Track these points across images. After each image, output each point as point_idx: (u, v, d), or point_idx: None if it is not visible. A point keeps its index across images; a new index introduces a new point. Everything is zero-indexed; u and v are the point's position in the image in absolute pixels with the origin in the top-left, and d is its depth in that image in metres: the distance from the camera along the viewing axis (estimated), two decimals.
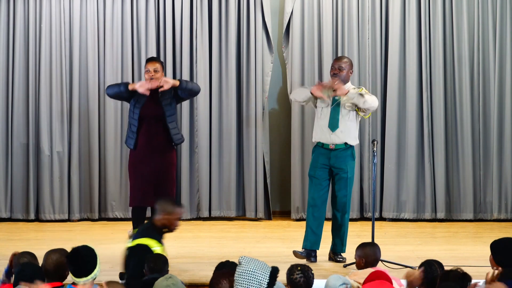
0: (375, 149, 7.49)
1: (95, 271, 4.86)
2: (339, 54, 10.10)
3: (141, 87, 7.62)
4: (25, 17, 10.10)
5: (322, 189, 7.62)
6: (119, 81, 10.02)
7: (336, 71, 7.64)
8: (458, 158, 10.11)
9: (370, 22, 10.13)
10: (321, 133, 7.62)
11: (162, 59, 10.13)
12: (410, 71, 10.10)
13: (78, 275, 4.82)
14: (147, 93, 7.58)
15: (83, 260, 4.84)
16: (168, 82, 7.64)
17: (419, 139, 10.12)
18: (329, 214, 8.06)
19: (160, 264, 5.46)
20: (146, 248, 5.74)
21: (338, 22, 10.15)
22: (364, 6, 10.12)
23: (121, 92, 7.68)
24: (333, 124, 7.55)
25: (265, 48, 10.18)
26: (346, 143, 7.59)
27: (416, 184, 10.11)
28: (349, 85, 7.71)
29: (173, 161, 7.76)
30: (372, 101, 7.54)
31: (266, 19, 10.13)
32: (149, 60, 7.84)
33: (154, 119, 7.63)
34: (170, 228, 6.39)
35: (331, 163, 7.59)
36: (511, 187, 10.11)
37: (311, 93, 7.57)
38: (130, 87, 7.65)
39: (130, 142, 7.68)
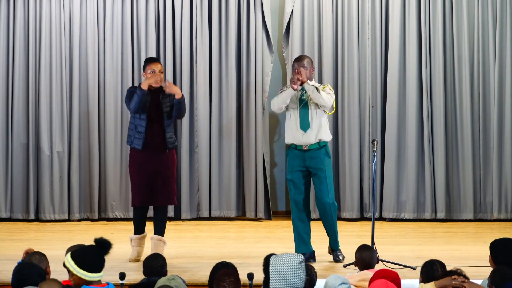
0: (375, 149, 7.49)
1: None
2: (339, 54, 10.12)
3: (154, 82, 7.61)
4: (25, 17, 10.10)
5: (303, 191, 7.63)
6: (119, 81, 10.06)
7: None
8: (458, 158, 10.11)
9: (370, 22, 10.13)
10: (293, 135, 7.61)
11: (162, 59, 10.15)
12: (410, 71, 10.10)
13: (98, 269, 4.79)
14: (158, 84, 7.62)
15: (104, 254, 4.83)
16: (172, 88, 7.62)
17: (419, 139, 10.12)
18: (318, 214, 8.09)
19: (158, 266, 5.45)
20: None
21: (338, 22, 10.15)
22: (364, 6, 10.12)
23: (144, 96, 7.56)
24: (304, 125, 7.54)
25: (265, 48, 10.18)
26: (319, 142, 7.58)
27: (416, 184, 10.11)
28: (312, 83, 7.70)
29: (175, 159, 7.79)
30: (326, 100, 7.52)
31: (266, 19, 10.13)
32: (153, 61, 7.81)
33: (155, 119, 7.64)
34: None
35: (307, 164, 7.59)
36: (511, 187, 10.10)
37: (295, 84, 7.51)
38: (144, 86, 7.57)
39: (138, 143, 7.62)
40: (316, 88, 7.50)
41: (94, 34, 10.11)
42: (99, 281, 4.81)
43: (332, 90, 7.72)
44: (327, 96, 7.54)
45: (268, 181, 10.20)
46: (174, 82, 10.18)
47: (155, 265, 5.45)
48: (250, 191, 10.19)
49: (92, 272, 4.76)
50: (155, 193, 7.63)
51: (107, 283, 4.87)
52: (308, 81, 7.55)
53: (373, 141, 7.56)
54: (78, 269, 4.74)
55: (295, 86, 7.47)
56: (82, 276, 4.74)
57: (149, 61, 7.84)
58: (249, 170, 10.18)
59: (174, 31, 10.20)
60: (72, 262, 4.76)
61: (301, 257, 4.73)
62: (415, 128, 10.10)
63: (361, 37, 10.15)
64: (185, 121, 10.13)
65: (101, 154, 10.17)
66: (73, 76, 10.12)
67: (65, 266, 4.84)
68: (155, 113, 7.63)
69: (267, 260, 4.71)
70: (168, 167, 7.68)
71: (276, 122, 10.47)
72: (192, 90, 10.19)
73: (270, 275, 4.62)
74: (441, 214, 10.09)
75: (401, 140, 10.15)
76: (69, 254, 4.82)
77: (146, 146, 7.63)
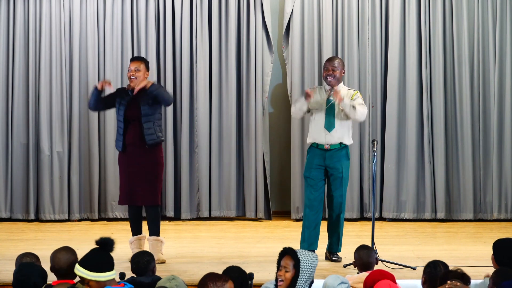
0: (375, 149, 7.49)
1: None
2: (339, 54, 10.11)
3: (100, 87, 7.70)
4: (25, 17, 10.10)
5: (317, 190, 7.64)
6: (119, 81, 10.05)
7: (330, 72, 7.64)
8: (458, 158, 10.11)
9: (370, 22, 10.13)
10: (316, 135, 7.64)
11: (162, 59, 10.15)
12: (410, 71, 10.10)
13: (110, 268, 4.77)
14: (99, 86, 7.67)
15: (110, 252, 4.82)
16: (139, 85, 7.58)
17: (419, 139, 10.12)
18: (324, 213, 8.09)
19: (145, 261, 5.46)
20: None
21: (338, 22, 10.15)
22: (364, 6, 10.12)
23: (93, 94, 7.68)
24: (329, 124, 7.58)
25: (265, 48, 10.19)
26: (341, 143, 7.61)
27: (416, 184, 10.11)
28: (341, 86, 7.72)
29: (159, 159, 7.69)
30: (361, 115, 7.64)
31: (266, 19, 10.13)
32: (132, 60, 7.85)
33: (137, 119, 7.62)
34: None
35: (326, 163, 7.61)
36: (511, 187, 10.11)
37: (307, 98, 7.59)
38: (98, 86, 7.68)
39: (119, 145, 7.70)
40: (353, 106, 7.54)
41: (94, 34, 10.11)
42: (113, 280, 4.79)
43: (362, 97, 7.77)
44: (362, 110, 7.60)
45: (268, 181, 10.20)
46: (174, 82, 10.18)
47: (142, 261, 5.48)
48: (250, 191, 10.19)
49: (105, 271, 4.74)
50: (135, 193, 7.61)
51: (124, 284, 4.86)
52: (345, 99, 7.56)
53: (373, 141, 7.57)
54: (91, 273, 4.69)
55: (308, 100, 7.62)
56: (98, 279, 4.70)
57: (130, 60, 7.92)
58: (249, 170, 10.18)
59: (174, 31, 10.20)
60: (83, 270, 4.71)
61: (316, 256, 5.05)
62: (415, 128, 10.11)
63: (361, 37, 10.15)
64: (185, 121, 10.14)
65: (101, 154, 10.17)
66: (73, 76, 10.12)
67: (78, 276, 4.80)
68: (132, 113, 7.61)
69: (295, 255, 4.94)
70: (149, 166, 7.60)
71: (276, 122, 10.47)
72: (192, 90, 10.20)
73: (301, 270, 4.93)
74: (441, 214, 10.09)
75: (401, 140, 10.15)
76: (77, 264, 4.77)
77: (125, 147, 7.65)
